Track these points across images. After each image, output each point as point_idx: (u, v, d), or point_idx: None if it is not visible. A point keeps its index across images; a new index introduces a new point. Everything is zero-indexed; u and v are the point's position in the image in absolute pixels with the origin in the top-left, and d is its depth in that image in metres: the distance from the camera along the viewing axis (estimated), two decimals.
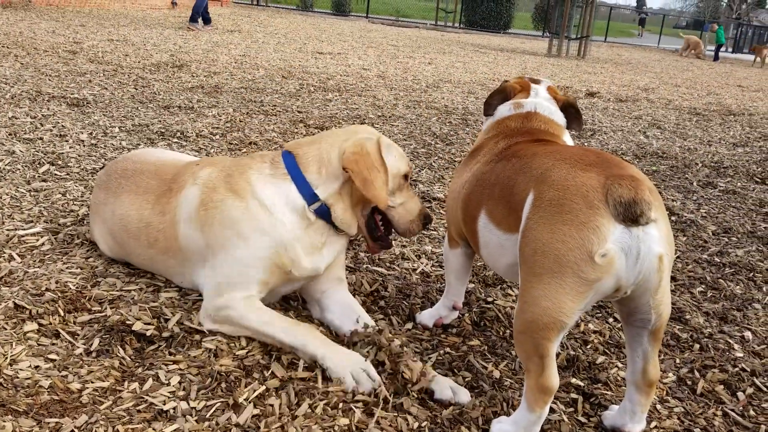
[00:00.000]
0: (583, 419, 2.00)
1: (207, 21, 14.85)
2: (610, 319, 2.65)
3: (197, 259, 2.34)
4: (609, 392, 2.15)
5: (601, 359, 2.33)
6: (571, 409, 2.04)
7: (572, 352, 2.34)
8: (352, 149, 2.23)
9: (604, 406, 2.06)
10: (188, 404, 1.87)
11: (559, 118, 2.28)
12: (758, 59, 26.15)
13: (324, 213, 2.26)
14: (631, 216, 1.61)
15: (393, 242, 2.58)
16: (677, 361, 2.39)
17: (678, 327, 2.63)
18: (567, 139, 2.25)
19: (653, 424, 2.00)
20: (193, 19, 14.46)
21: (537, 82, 2.38)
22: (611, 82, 12.46)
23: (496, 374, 2.17)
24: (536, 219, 1.70)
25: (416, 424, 1.86)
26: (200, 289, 2.36)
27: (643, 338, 1.81)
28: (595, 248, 1.61)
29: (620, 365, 2.31)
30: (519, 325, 1.73)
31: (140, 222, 2.46)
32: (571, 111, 2.31)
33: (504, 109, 2.32)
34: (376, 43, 16.32)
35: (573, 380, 2.19)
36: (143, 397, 1.87)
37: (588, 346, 2.42)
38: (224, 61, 9.26)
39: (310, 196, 2.24)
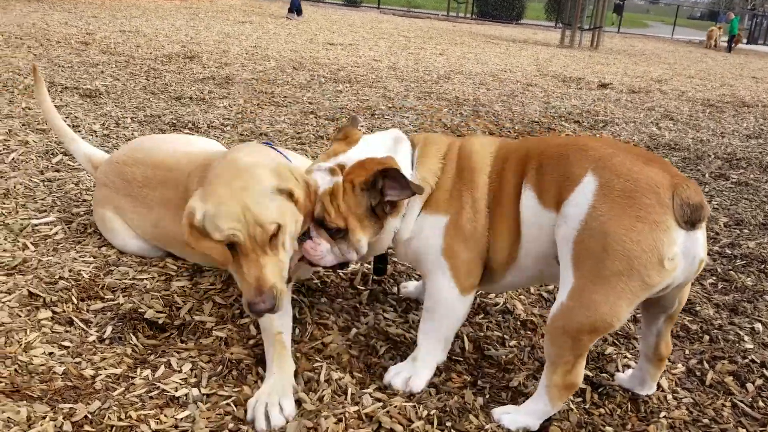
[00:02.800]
0: (591, 409, 2.00)
1: (299, 12, 18.18)
2: None
3: None
4: (616, 385, 2.15)
5: (609, 350, 2.33)
6: (580, 399, 2.05)
7: None
8: None
9: (612, 396, 2.07)
10: (199, 391, 1.89)
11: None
12: (711, 41, 26.84)
13: None
14: (695, 220, 1.57)
15: None
16: (687, 352, 2.39)
17: (688, 318, 2.63)
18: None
19: (662, 414, 2.00)
20: (290, 10, 18.01)
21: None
22: (624, 73, 12.38)
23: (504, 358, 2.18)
24: (604, 210, 1.58)
25: (425, 413, 1.87)
26: None
27: (659, 320, 1.89)
28: (665, 251, 1.55)
29: (629, 356, 2.31)
30: (565, 325, 1.65)
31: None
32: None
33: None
34: (387, 34, 16.27)
35: None
36: (155, 384, 1.90)
37: None
38: (235, 52, 9.28)
39: None
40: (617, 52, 18.61)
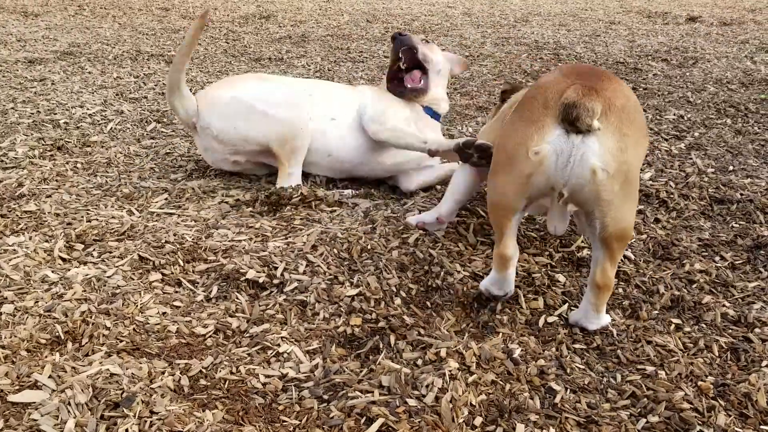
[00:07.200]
0: (692, 358, 1.99)
1: None
2: (717, 258, 2.58)
3: None
4: (715, 334, 2.12)
5: (707, 299, 2.29)
6: (678, 349, 2.03)
7: (677, 292, 2.31)
8: None
9: (709, 346, 2.04)
10: (300, 348, 1.99)
11: None
12: None
13: None
14: (568, 117, 1.71)
15: None
16: None
17: None
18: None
19: (764, 363, 1.96)
20: None
21: None
22: (714, 4, 11.64)
23: None
24: (510, 114, 1.93)
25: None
26: None
27: (596, 244, 1.95)
28: (532, 145, 1.77)
29: (727, 304, 2.27)
30: (487, 205, 2.09)
31: None
32: None
33: None
34: None
35: (675, 320, 2.18)
36: (260, 341, 2.01)
37: (693, 286, 2.38)
38: (309, 9, 9.30)
39: None
40: None
